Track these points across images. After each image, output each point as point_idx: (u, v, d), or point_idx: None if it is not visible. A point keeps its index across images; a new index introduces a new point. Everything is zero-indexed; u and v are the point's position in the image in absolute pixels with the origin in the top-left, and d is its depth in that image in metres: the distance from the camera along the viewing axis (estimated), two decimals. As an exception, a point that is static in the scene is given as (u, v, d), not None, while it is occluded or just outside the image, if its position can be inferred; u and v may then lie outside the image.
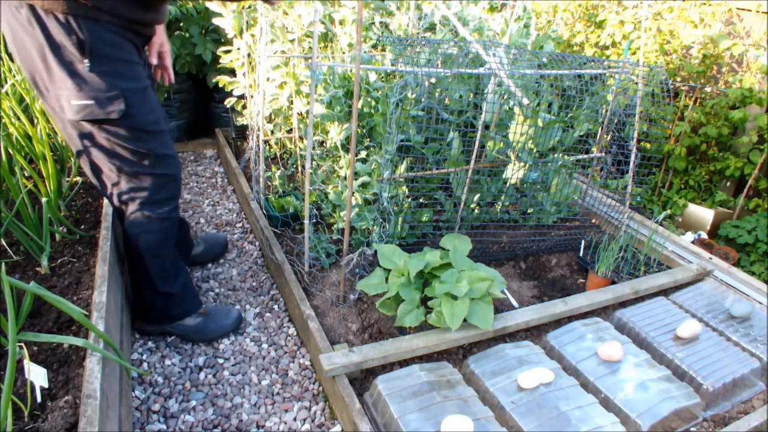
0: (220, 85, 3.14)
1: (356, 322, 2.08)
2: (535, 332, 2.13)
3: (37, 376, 1.26)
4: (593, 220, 2.90)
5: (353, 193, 2.27)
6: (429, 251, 2.09)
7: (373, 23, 2.90)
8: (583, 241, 2.63)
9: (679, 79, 3.44)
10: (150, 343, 2.05)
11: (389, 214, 2.28)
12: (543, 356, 1.87)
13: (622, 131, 2.69)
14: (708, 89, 3.36)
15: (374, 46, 2.88)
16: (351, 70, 2.45)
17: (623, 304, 2.28)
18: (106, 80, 1.48)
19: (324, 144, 2.71)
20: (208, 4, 2.81)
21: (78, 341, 1.33)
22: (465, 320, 1.87)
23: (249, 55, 2.84)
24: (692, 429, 1.77)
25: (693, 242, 3.03)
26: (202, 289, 2.38)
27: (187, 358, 2.01)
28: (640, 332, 2.05)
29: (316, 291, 2.21)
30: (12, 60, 2.72)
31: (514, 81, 2.23)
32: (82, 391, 1.29)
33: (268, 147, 3.22)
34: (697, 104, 3.37)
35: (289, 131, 3.07)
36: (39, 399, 1.29)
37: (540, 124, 2.30)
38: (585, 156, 2.75)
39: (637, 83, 2.57)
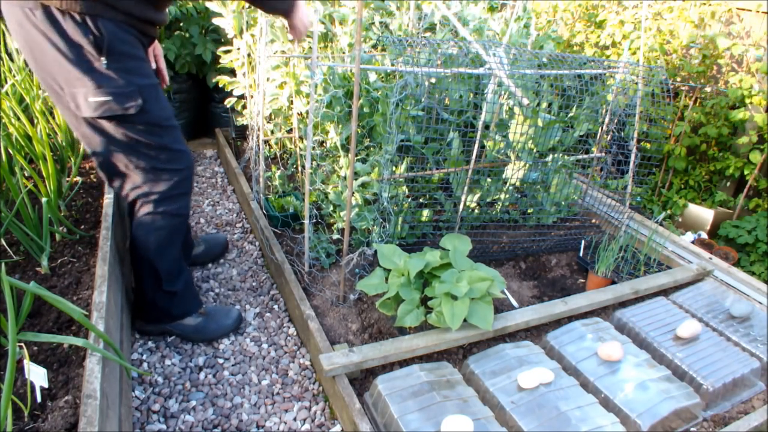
0: (220, 85, 3.14)
1: (356, 322, 2.08)
2: (535, 332, 2.13)
3: (37, 376, 1.26)
4: (593, 220, 2.90)
5: (353, 193, 2.27)
6: (429, 251, 2.09)
7: (373, 23, 2.90)
8: (583, 241, 2.63)
9: (679, 79, 3.44)
10: (150, 343, 2.05)
11: (389, 214, 2.28)
12: (543, 356, 1.87)
13: (622, 131, 2.69)
14: (708, 89, 3.36)
15: (374, 46, 2.88)
16: (351, 70, 2.45)
17: (623, 304, 2.28)
18: (122, 77, 1.51)
19: (324, 144, 2.71)
20: (208, 4, 2.81)
21: (78, 341, 1.33)
22: (465, 320, 1.87)
23: (249, 55, 2.84)
24: (692, 429, 1.77)
25: (693, 242, 3.03)
26: (203, 289, 2.38)
27: (187, 358, 2.01)
28: (640, 332, 2.05)
29: (316, 291, 2.21)
30: (12, 60, 2.72)
31: (514, 81, 2.23)
32: (82, 391, 1.29)
33: (268, 147, 3.22)
34: (697, 104, 3.37)
35: (289, 131, 3.07)
36: (39, 399, 1.29)
37: (540, 124, 2.30)
38: (585, 156, 2.75)
39: (637, 83, 2.57)
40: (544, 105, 2.53)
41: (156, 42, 1.90)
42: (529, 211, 2.76)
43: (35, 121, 2.32)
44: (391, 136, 2.18)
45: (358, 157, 2.50)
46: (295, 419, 1.80)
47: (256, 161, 2.85)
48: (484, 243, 2.55)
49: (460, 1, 3.05)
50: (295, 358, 2.05)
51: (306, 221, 2.16)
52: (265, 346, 2.10)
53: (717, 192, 3.40)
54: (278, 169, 2.98)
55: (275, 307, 2.31)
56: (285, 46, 2.68)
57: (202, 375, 1.94)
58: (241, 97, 3.17)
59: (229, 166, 3.31)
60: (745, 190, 3.18)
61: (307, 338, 2.04)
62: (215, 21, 2.88)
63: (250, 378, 1.95)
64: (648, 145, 3.25)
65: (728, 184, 3.43)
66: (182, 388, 1.88)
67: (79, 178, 2.39)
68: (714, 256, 2.58)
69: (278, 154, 3.23)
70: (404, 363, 1.87)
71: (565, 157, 2.56)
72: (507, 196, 2.59)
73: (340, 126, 2.40)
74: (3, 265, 1.41)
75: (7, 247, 1.86)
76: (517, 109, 2.36)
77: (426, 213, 2.52)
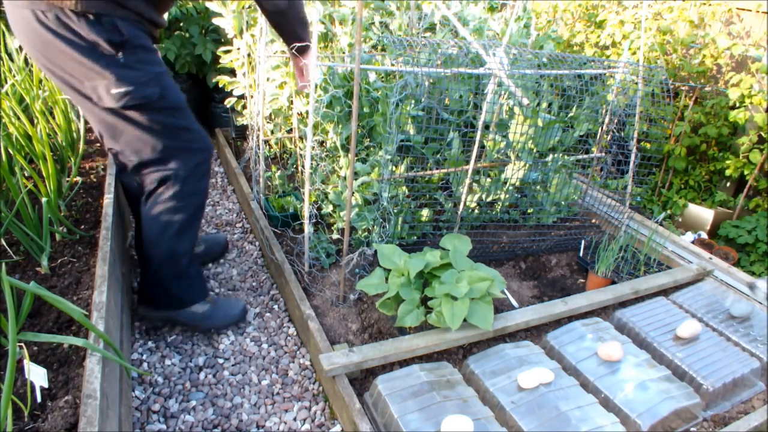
0: (220, 85, 3.14)
1: (356, 322, 2.08)
2: (535, 332, 2.13)
3: (37, 376, 1.26)
4: (593, 220, 2.90)
5: (353, 193, 2.27)
6: (429, 251, 2.09)
7: (373, 23, 2.90)
8: (583, 241, 2.63)
9: (679, 79, 3.44)
10: (150, 343, 2.05)
11: (389, 214, 2.28)
12: (543, 356, 1.87)
13: (622, 131, 2.68)
14: (708, 89, 3.36)
15: (374, 46, 2.88)
16: (351, 70, 2.45)
17: (623, 304, 2.28)
18: (140, 68, 1.61)
19: (324, 144, 2.71)
20: (208, 4, 2.81)
21: (78, 341, 1.33)
22: (465, 320, 1.87)
23: (249, 55, 2.84)
24: (692, 429, 1.77)
25: (693, 242, 3.03)
26: (202, 289, 2.38)
27: (187, 358, 2.01)
28: (640, 332, 2.05)
29: (316, 291, 2.21)
30: (12, 60, 2.72)
31: (514, 81, 2.23)
32: (82, 391, 1.29)
33: (268, 147, 3.22)
34: (697, 104, 3.37)
35: (289, 131, 3.07)
36: (39, 399, 1.29)
37: (540, 124, 2.30)
38: (585, 156, 2.75)
39: (637, 83, 2.57)
40: (544, 105, 2.53)
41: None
42: (529, 211, 2.76)
43: (35, 121, 2.32)
44: (391, 136, 2.18)
45: (358, 157, 2.50)
46: (295, 419, 1.80)
47: (256, 161, 2.85)
48: (484, 243, 2.55)
49: (460, 1, 3.05)
50: (295, 358, 2.05)
51: (306, 221, 2.16)
52: (265, 346, 2.10)
53: (717, 192, 3.40)
54: (278, 169, 2.98)
55: (275, 307, 2.31)
56: (285, 46, 2.68)
57: (202, 375, 1.94)
58: (241, 97, 3.17)
59: (229, 166, 3.31)
60: (745, 190, 3.18)
61: (307, 338, 2.04)
62: (215, 21, 2.88)
63: (250, 378, 1.95)
64: (648, 145, 3.25)
65: (728, 184, 3.43)
66: (182, 388, 1.88)
67: (79, 178, 2.39)
68: (714, 256, 2.58)
69: (278, 154, 3.23)
70: (404, 363, 1.87)
71: (565, 157, 2.56)
72: (507, 196, 2.59)
73: (340, 126, 2.40)
74: (3, 265, 1.41)
75: (7, 247, 1.86)
76: (517, 109, 2.36)
77: (426, 213, 2.52)
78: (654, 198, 3.56)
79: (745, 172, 3.12)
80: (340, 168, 2.56)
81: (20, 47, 2.71)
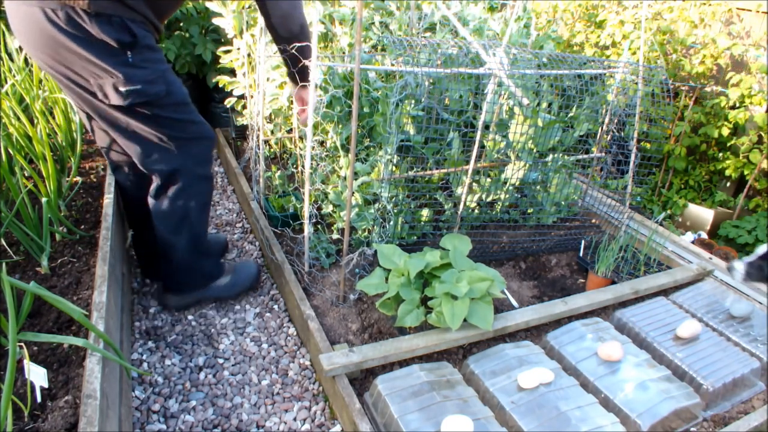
0: (220, 85, 3.14)
1: (356, 322, 2.08)
2: (535, 332, 2.13)
3: (37, 376, 1.26)
4: (593, 220, 2.90)
5: (353, 193, 2.27)
6: (429, 251, 2.09)
7: (373, 23, 2.90)
8: (583, 241, 2.63)
9: (679, 79, 3.44)
10: (150, 343, 2.05)
11: (389, 214, 2.28)
12: (543, 356, 1.87)
13: (622, 131, 2.68)
14: (708, 89, 3.36)
15: (374, 46, 2.88)
16: (351, 70, 2.45)
17: (623, 304, 2.28)
18: (147, 66, 1.67)
19: (324, 144, 2.71)
20: (208, 4, 2.81)
21: (78, 341, 1.33)
22: (465, 320, 1.87)
23: (249, 55, 2.84)
24: (692, 429, 1.77)
25: (693, 242, 3.03)
26: (202, 289, 2.38)
27: (187, 358, 2.01)
28: (640, 332, 2.05)
29: (316, 291, 2.21)
30: (12, 60, 2.72)
31: (514, 81, 2.23)
32: (82, 391, 1.29)
33: (268, 147, 3.22)
34: (697, 104, 3.37)
35: (289, 131, 3.07)
36: (39, 399, 1.29)
37: (540, 124, 2.30)
38: (585, 156, 2.75)
39: (637, 83, 2.57)
40: (544, 105, 2.53)
41: None
42: (529, 211, 2.76)
43: (35, 121, 2.32)
44: (391, 136, 2.18)
45: (358, 157, 2.50)
46: (295, 419, 1.80)
47: (256, 161, 2.85)
48: (484, 243, 2.55)
49: (460, 1, 3.05)
50: (295, 358, 2.05)
51: (306, 221, 2.16)
52: (265, 346, 2.10)
53: (717, 192, 3.40)
54: (278, 169, 2.98)
55: (275, 307, 2.31)
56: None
57: (202, 375, 1.94)
58: (241, 97, 3.17)
59: (229, 166, 3.31)
60: (745, 190, 3.18)
61: (307, 338, 2.04)
62: (215, 21, 2.88)
63: (250, 378, 1.95)
64: (648, 145, 3.25)
65: (728, 184, 3.43)
66: (182, 388, 1.88)
67: (79, 178, 2.39)
68: (714, 256, 2.58)
69: (278, 154, 3.23)
70: (404, 363, 1.87)
71: (565, 157, 2.56)
72: (507, 196, 2.59)
73: (340, 126, 2.40)
74: (3, 265, 1.41)
75: (7, 247, 1.86)
76: (517, 109, 2.36)
77: (426, 213, 2.52)
78: (654, 198, 3.56)
79: (745, 172, 3.12)
80: (340, 168, 2.56)
81: (20, 47, 2.71)
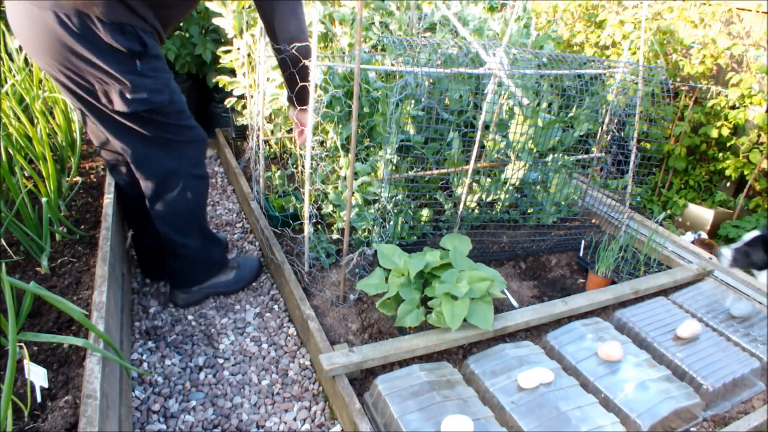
0: (220, 85, 3.14)
1: (356, 322, 2.08)
2: (535, 332, 2.13)
3: (37, 376, 1.26)
4: (593, 220, 2.90)
5: (353, 193, 2.27)
6: (429, 251, 2.09)
7: (373, 23, 2.90)
8: (583, 241, 2.63)
9: (679, 79, 3.44)
10: (150, 343, 2.05)
11: (389, 214, 2.28)
12: (543, 356, 1.87)
13: (622, 131, 2.68)
14: (708, 89, 3.36)
15: (374, 46, 2.88)
16: (351, 70, 2.45)
17: (623, 304, 2.28)
18: (154, 75, 1.72)
19: (324, 144, 2.71)
20: (208, 4, 2.81)
21: (78, 341, 1.33)
22: (465, 320, 1.87)
23: (249, 55, 2.84)
24: (692, 429, 1.77)
25: (693, 242, 3.03)
26: (202, 289, 2.38)
27: (187, 358, 2.01)
28: (640, 332, 2.05)
29: (316, 291, 2.21)
30: (12, 60, 2.72)
31: (514, 81, 2.23)
32: (82, 391, 1.29)
33: (268, 147, 3.22)
34: (697, 104, 3.38)
35: (289, 131, 3.07)
36: (39, 399, 1.29)
37: (540, 124, 2.30)
38: (585, 156, 2.75)
39: (637, 83, 2.57)
40: (544, 105, 2.53)
41: None
42: (529, 211, 2.76)
43: (35, 121, 2.32)
44: (391, 136, 2.18)
45: (358, 157, 2.50)
46: (295, 419, 1.80)
47: (256, 161, 2.85)
48: (484, 243, 2.55)
49: (460, 1, 3.05)
50: (295, 358, 2.05)
51: (306, 221, 2.16)
52: (265, 346, 2.10)
53: (717, 192, 3.40)
54: (278, 169, 2.98)
55: (275, 307, 2.31)
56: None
57: (202, 375, 1.94)
58: (241, 97, 3.17)
59: (229, 166, 3.31)
60: (745, 190, 3.18)
61: (307, 338, 2.04)
62: (215, 21, 2.88)
63: (250, 378, 1.95)
64: (648, 145, 3.25)
65: (728, 184, 3.43)
66: (182, 388, 1.88)
67: (79, 178, 2.39)
68: (714, 256, 2.58)
69: (278, 154, 3.23)
70: (404, 363, 1.87)
71: (565, 157, 2.56)
72: (507, 196, 2.59)
73: (340, 126, 2.40)
74: (3, 265, 1.41)
75: (7, 247, 1.86)
76: (517, 109, 2.36)
77: (426, 213, 2.52)
78: (654, 198, 3.56)
79: (745, 172, 3.12)
80: (340, 168, 2.56)
81: (20, 47, 2.71)
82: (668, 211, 3.40)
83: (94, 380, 1.31)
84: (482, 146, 2.51)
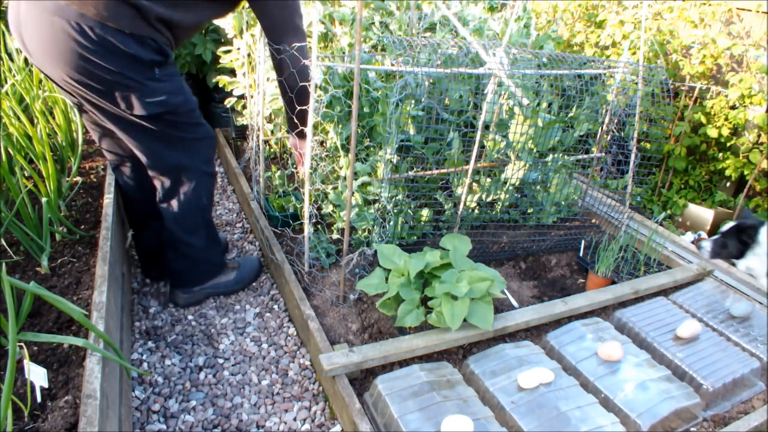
0: (220, 85, 3.14)
1: (356, 322, 2.08)
2: (535, 332, 2.13)
3: (37, 376, 1.26)
4: (593, 220, 2.90)
5: (353, 193, 2.27)
6: (429, 251, 2.09)
7: (373, 23, 2.90)
8: (583, 241, 2.63)
9: (679, 79, 3.44)
10: (150, 343, 2.05)
11: (389, 214, 2.28)
12: (543, 356, 1.87)
13: (622, 131, 2.68)
14: (708, 89, 3.36)
15: (374, 46, 2.88)
16: (351, 70, 2.45)
17: (623, 304, 2.28)
18: (170, 80, 1.81)
19: (324, 144, 2.71)
20: (208, 4, 2.80)
21: (78, 341, 1.33)
22: (465, 320, 1.87)
23: (249, 55, 2.84)
24: (692, 429, 1.77)
25: (693, 242, 3.03)
26: (202, 289, 2.38)
27: (187, 358, 2.01)
28: (640, 332, 2.05)
29: (316, 291, 2.21)
30: (12, 60, 2.72)
31: (514, 81, 2.23)
32: (82, 391, 1.29)
33: (268, 147, 3.22)
34: (697, 104, 3.38)
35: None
36: (39, 399, 1.29)
37: (540, 124, 2.30)
38: (585, 156, 2.75)
39: (637, 83, 2.57)
40: (544, 105, 2.53)
41: None
42: (529, 211, 2.76)
43: (35, 121, 2.32)
44: (391, 136, 2.18)
45: (358, 157, 2.50)
46: (295, 419, 1.80)
47: (256, 161, 2.85)
48: (484, 243, 2.55)
49: (460, 1, 3.05)
50: (295, 358, 2.05)
51: (306, 221, 2.16)
52: (265, 346, 2.10)
53: (717, 192, 3.40)
54: (278, 169, 2.98)
55: (275, 307, 2.31)
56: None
57: (202, 375, 1.94)
58: (241, 97, 3.17)
59: (229, 166, 3.31)
60: (745, 190, 3.18)
61: (307, 338, 2.04)
62: (215, 21, 2.88)
63: (250, 378, 1.95)
64: (648, 145, 3.25)
65: (728, 184, 3.43)
66: (182, 388, 1.88)
67: (79, 178, 2.39)
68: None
69: (278, 154, 3.23)
70: (404, 363, 1.87)
71: (565, 157, 2.56)
72: (507, 196, 2.59)
73: (340, 126, 2.40)
74: (3, 265, 1.41)
75: (7, 247, 1.86)
76: (517, 109, 2.36)
77: (426, 213, 2.52)
78: (654, 198, 3.56)
79: (745, 172, 3.12)
80: (340, 168, 2.56)
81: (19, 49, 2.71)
82: (668, 211, 3.40)
83: (94, 380, 1.31)
84: (482, 146, 2.51)
